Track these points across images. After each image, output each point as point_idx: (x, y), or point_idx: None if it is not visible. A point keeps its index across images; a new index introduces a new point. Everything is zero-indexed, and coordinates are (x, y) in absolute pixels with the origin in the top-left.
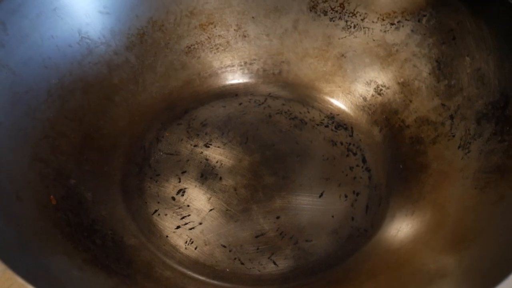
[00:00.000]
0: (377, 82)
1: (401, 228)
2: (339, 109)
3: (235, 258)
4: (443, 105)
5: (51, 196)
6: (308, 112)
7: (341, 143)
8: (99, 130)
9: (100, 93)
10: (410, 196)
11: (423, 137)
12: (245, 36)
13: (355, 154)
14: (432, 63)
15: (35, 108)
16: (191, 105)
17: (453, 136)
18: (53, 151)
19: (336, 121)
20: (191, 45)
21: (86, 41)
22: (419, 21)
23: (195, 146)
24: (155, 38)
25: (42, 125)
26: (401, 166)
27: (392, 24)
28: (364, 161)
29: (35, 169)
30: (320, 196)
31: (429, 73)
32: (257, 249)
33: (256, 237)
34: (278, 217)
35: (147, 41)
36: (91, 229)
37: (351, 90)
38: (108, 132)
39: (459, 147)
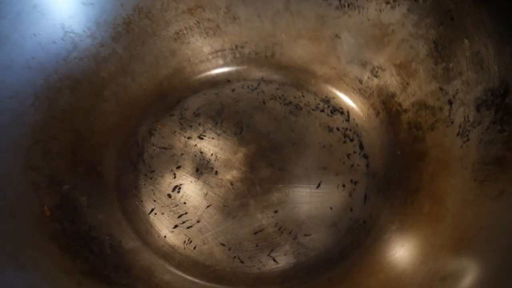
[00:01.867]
0: (373, 64)
1: (400, 221)
2: (334, 92)
3: (234, 257)
4: (441, 89)
5: (45, 207)
6: (303, 96)
7: (338, 129)
8: (90, 128)
9: (89, 88)
10: (408, 185)
11: (421, 122)
12: (235, 19)
13: (352, 140)
14: (429, 44)
15: (23, 113)
16: (183, 94)
17: (452, 122)
18: (45, 156)
19: (332, 105)
20: (180, 31)
21: (70, 35)
22: (415, 0)
23: (188, 138)
24: (142, 26)
25: (31, 130)
26: (399, 152)
27: (387, 3)
28: (361, 147)
29: (27, 178)
30: (317, 187)
31: (426, 55)
32: (256, 246)
33: (255, 233)
34: (276, 211)
35: (134, 30)
36: (88, 237)
37: (346, 72)
38: (99, 129)
39: (458, 135)
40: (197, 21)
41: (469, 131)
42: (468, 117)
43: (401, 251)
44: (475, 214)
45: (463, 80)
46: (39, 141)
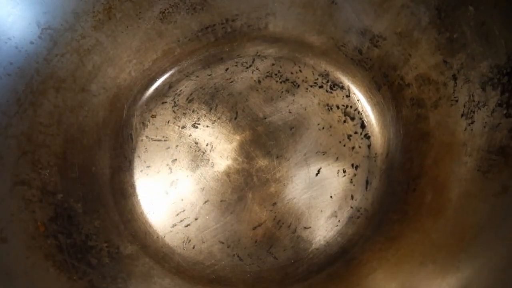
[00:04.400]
0: (372, 32)
1: (402, 211)
2: (333, 64)
3: (233, 255)
4: (445, 62)
5: (39, 223)
6: (300, 71)
7: (337, 107)
8: (80, 128)
9: (75, 85)
10: (411, 169)
11: (424, 98)
12: None
13: (352, 118)
14: (431, 10)
15: (7, 125)
16: (174, 78)
17: (456, 101)
18: (34, 167)
19: (331, 79)
20: (165, 10)
21: (48, 32)
22: None
23: (183, 128)
24: (124, 10)
25: (17, 141)
26: (401, 131)
27: None
28: (362, 126)
29: (18, 195)
30: (317, 175)
31: (429, 23)
32: (255, 242)
33: (253, 228)
34: (274, 204)
35: (116, 15)
36: (85, 247)
37: (345, 42)
38: (90, 127)
39: (462, 115)
40: None
41: (474, 112)
42: (473, 96)
43: (402, 246)
44: (477, 210)
45: (468, 53)
46: (27, 152)
